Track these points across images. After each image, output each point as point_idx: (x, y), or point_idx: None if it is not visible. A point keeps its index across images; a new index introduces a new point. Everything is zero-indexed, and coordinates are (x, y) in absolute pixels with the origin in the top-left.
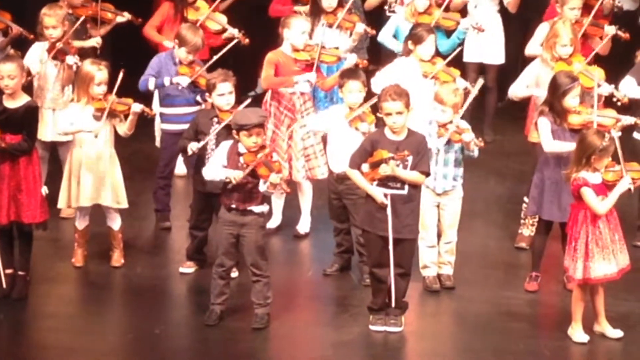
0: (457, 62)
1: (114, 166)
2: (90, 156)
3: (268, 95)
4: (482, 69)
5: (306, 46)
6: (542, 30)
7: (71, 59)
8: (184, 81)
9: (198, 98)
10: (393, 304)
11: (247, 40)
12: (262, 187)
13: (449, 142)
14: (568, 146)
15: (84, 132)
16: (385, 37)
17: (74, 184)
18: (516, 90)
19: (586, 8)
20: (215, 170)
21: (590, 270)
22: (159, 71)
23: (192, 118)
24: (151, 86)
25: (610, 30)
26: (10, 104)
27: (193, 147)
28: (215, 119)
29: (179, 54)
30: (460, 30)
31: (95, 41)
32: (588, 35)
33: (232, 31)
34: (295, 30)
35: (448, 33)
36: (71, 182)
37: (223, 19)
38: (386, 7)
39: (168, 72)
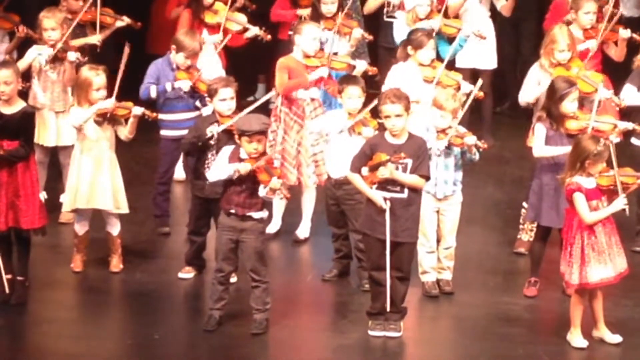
0: (450, 67)
1: (114, 170)
2: (90, 159)
3: (279, 101)
4: (475, 74)
5: (317, 52)
6: None
7: (73, 55)
8: (186, 85)
9: (197, 103)
10: (388, 308)
11: (269, 37)
12: (262, 192)
13: (449, 147)
14: (558, 150)
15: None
16: (403, 36)
17: (74, 188)
18: (526, 96)
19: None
20: (221, 169)
21: (587, 275)
22: (158, 78)
23: (191, 124)
24: (153, 94)
25: (625, 33)
26: (6, 109)
27: (214, 130)
28: (216, 125)
29: (176, 60)
30: (462, 37)
31: (96, 39)
32: (604, 41)
33: (254, 30)
34: (306, 37)
35: (449, 39)
36: (73, 186)
37: (243, 18)
38: (386, 10)
39: (166, 78)
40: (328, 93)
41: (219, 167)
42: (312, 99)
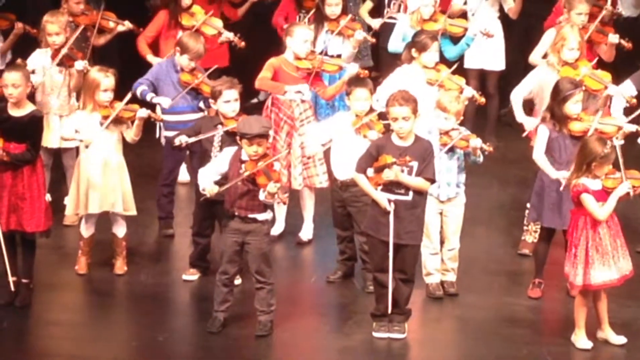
0: (458, 68)
1: (122, 173)
2: (98, 163)
3: (269, 101)
4: (482, 75)
5: (308, 55)
6: (548, 37)
7: (80, 64)
8: (165, 102)
9: (201, 105)
10: (389, 310)
11: (242, 44)
12: (262, 196)
13: (453, 149)
14: (550, 171)
15: (78, 142)
16: (396, 45)
17: (82, 192)
18: (517, 96)
19: (591, 15)
20: (205, 177)
21: (590, 276)
22: (157, 78)
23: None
24: (138, 92)
25: (614, 38)
26: (15, 112)
27: (182, 139)
28: (220, 126)
29: (180, 62)
30: (469, 36)
31: (82, 65)
32: (593, 42)
33: (228, 35)
34: (298, 39)
35: (454, 39)
36: (79, 189)
37: (219, 23)
38: (386, 11)
39: (170, 80)
40: (319, 95)
41: (210, 169)
42: (302, 101)
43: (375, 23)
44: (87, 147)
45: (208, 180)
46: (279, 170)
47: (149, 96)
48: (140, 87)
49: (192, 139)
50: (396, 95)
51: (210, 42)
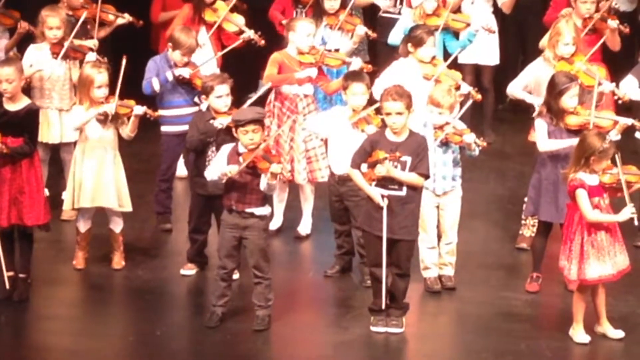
0: (452, 63)
1: (117, 169)
2: (94, 158)
3: (272, 96)
4: (477, 70)
5: (311, 49)
6: None
7: (93, 56)
8: (186, 72)
9: (196, 99)
10: (383, 305)
11: (262, 42)
12: (263, 183)
13: (447, 143)
14: (564, 143)
15: (95, 116)
16: (396, 38)
17: (77, 186)
18: (514, 89)
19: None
20: (215, 170)
21: (585, 271)
22: (158, 73)
23: (190, 119)
24: (156, 86)
25: (613, 24)
26: (11, 106)
27: (223, 121)
28: (212, 121)
29: (174, 57)
30: (471, 32)
31: (92, 43)
32: (597, 31)
33: (249, 32)
34: (301, 33)
35: (456, 34)
36: (74, 184)
37: (240, 20)
38: (386, 5)
39: (164, 75)
40: (320, 89)
41: (215, 167)
42: (305, 95)
43: (382, 2)
44: (105, 117)
45: (221, 167)
46: (276, 154)
47: (169, 75)
48: (154, 81)
49: (229, 119)
50: (390, 90)
51: (232, 39)
